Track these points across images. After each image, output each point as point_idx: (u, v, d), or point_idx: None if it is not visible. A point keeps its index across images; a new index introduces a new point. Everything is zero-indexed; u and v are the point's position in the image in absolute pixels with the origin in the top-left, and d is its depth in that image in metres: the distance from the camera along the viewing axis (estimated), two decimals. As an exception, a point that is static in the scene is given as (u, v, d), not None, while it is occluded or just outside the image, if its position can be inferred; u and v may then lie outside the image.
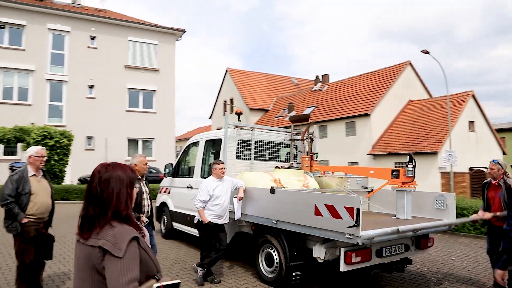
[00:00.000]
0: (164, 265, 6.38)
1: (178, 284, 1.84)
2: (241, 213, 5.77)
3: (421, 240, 5.37)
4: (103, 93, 24.35)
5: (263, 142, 7.19)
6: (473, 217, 5.56)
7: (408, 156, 5.72)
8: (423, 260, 7.05)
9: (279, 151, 7.55)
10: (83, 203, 1.86)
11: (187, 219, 7.40)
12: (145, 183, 5.18)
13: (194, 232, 6.94)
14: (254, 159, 7.03)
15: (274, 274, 5.29)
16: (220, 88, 43.33)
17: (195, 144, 7.95)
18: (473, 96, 24.34)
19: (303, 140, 7.64)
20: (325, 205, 4.47)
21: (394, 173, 5.69)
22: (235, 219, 5.78)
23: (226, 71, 41.88)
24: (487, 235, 5.49)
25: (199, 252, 6.10)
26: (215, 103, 44.56)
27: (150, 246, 2.02)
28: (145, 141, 26.05)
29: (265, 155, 7.28)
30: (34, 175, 4.61)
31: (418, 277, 5.97)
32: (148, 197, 5.17)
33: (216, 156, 6.94)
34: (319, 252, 4.84)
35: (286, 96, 38.25)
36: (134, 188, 1.97)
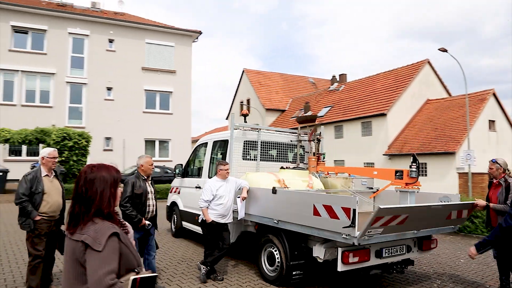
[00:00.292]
0: (171, 262, 6.55)
1: (154, 277, 1.96)
2: (245, 213, 5.88)
3: (423, 241, 5.36)
4: (121, 95, 24.91)
5: (270, 143, 7.28)
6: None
7: (412, 157, 5.69)
8: (430, 262, 7.00)
9: (286, 152, 7.62)
10: (71, 201, 2.02)
11: (195, 219, 7.53)
12: (151, 183, 5.30)
13: (202, 231, 7.09)
14: (261, 160, 7.13)
15: (276, 273, 5.37)
16: (237, 89, 43.61)
17: (204, 145, 8.11)
18: (494, 94, 23.77)
19: (310, 140, 7.69)
20: (323, 205, 4.53)
21: (397, 174, 5.68)
22: (239, 219, 5.89)
23: (243, 71, 42.11)
24: None
25: (205, 251, 6.24)
26: (232, 104, 44.88)
27: (133, 242, 2.15)
28: (161, 142, 26.47)
29: (271, 156, 7.37)
30: (46, 175, 4.82)
31: (422, 278, 5.95)
32: (153, 197, 5.27)
33: (224, 157, 7.07)
34: (318, 252, 4.90)
35: (302, 97, 38.19)
36: (119, 188, 2.11)
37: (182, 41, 27.44)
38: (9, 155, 21.94)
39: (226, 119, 45.59)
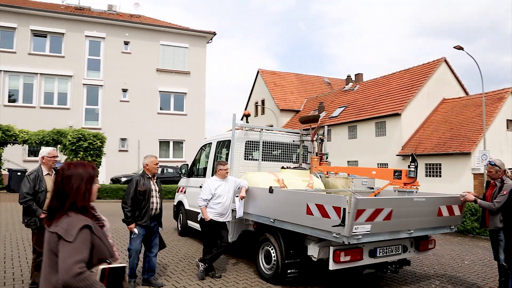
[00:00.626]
0: (173, 260, 6.71)
1: (123, 268, 2.08)
2: (244, 212, 5.97)
3: (420, 242, 5.34)
4: (136, 96, 25.37)
5: (272, 143, 7.35)
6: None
7: (411, 156, 5.68)
8: (432, 263, 6.95)
9: (288, 152, 7.67)
10: (50, 196, 2.17)
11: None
12: (156, 182, 5.45)
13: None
14: (263, 160, 7.21)
15: (272, 271, 5.45)
16: (252, 90, 43.78)
17: (208, 145, 8.25)
18: (512, 93, 23.20)
19: (312, 141, 7.73)
20: (315, 204, 4.58)
21: (396, 174, 5.67)
22: (237, 218, 5.98)
23: (258, 72, 42.25)
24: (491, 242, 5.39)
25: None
26: (247, 104, 45.09)
27: (109, 235, 2.28)
28: (176, 142, 26.81)
29: (274, 156, 7.44)
30: (48, 174, 5.01)
31: (421, 278, 5.92)
32: (158, 195, 5.41)
33: (227, 157, 7.17)
34: (313, 251, 4.96)
35: (317, 97, 38.06)
36: (95, 184, 2.24)
37: (196, 42, 27.74)
38: (28, 156, 22.64)
39: (241, 119, 45.74)
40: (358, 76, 35.98)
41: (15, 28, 22.93)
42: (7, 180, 19.52)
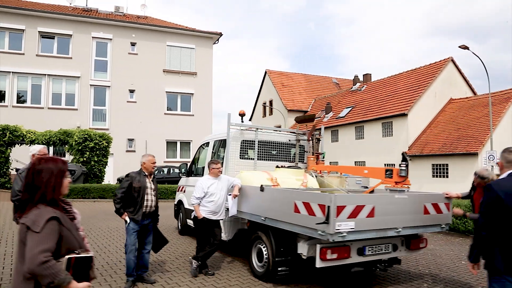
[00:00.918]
0: (169, 257, 6.79)
1: (90, 257, 2.15)
2: (238, 210, 6.02)
3: (411, 241, 5.33)
4: (143, 97, 25.61)
5: (268, 142, 7.40)
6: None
7: (402, 155, 5.69)
8: (428, 262, 6.92)
9: (285, 151, 7.70)
10: (21, 190, 2.26)
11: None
12: (153, 180, 5.53)
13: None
14: (259, 159, 7.26)
15: (263, 269, 5.49)
16: (260, 90, 43.86)
17: (207, 144, 8.32)
18: (521, 93, 22.88)
19: (309, 140, 7.75)
20: (302, 202, 4.62)
21: (387, 173, 5.69)
22: (229, 216, 6.04)
23: (265, 73, 42.31)
24: None
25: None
26: (255, 104, 45.18)
27: (81, 227, 2.36)
28: (183, 143, 26.98)
29: (269, 155, 7.48)
30: (38, 171, 5.12)
31: (414, 277, 5.91)
32: (153, 193, 5.48)
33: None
34: (302, 249, 5.00)
35: (325, 97, 37.98)
36: (65, 178, 2.31)
37: (203, 43, 27.90)
38: (37, 156, 22.97)
39: (250, 120, 45.89)
40: (366, 76, 35.80)
41: (24, 30, 23.33)
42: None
